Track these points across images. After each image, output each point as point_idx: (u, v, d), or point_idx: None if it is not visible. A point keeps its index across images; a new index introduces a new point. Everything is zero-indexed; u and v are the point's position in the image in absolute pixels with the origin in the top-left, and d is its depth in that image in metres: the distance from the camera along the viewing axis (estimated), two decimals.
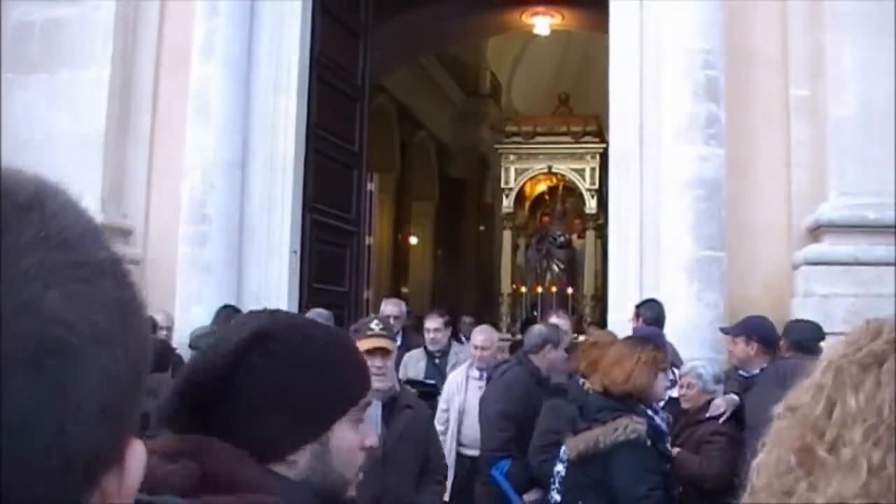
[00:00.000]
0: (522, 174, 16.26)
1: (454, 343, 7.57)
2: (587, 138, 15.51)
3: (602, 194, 14.00)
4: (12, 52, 8.40)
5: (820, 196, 6.80)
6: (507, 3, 11.75)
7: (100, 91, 8.15)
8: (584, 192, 15.73)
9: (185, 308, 7.48)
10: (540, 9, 12.35)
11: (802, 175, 6.99)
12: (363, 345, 3.35)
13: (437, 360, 7.02)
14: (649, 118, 7.21)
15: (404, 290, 17.49)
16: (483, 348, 6.35)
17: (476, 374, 6.31)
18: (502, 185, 16.24)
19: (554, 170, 16.07)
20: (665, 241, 6.80)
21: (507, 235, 16.61)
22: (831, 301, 6.22)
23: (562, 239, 16.52)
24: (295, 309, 8.09)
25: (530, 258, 16.75)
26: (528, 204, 17.36)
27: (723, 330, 5.81)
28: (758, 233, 7.02)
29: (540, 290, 15.86)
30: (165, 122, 8.26)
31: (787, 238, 6.98)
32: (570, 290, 15.58)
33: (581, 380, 4.76)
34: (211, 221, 7.66)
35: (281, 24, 8.22)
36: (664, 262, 6.78)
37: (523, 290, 16.04)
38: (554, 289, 15.67)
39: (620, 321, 6.64)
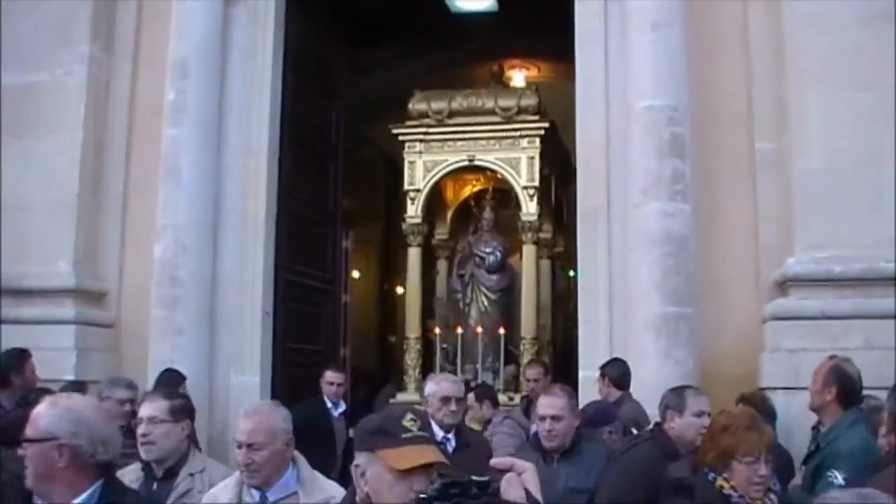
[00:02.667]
0: (434, 170, 10.61)
1: None
2: (522, 117, 10.47)
3: (547, 196, 11.10)
4: None
5: (787, 249, 6.81)
6: (483, 57, 11.86)
7: (72, 154, 8.19)
8: (518, 191, 10.39)
9: (156, 371, 7.45)
10: (516, 62, 12.46)
11: (770, 228, 7.01)
12: (405, 458, 2.43)
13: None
14: (616, 174, 7.25)
15: (392, 338, 17.43)
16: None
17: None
18: (406, 186, 10.68)
19: (478, 162, 10.61)
20: (633, 297, 6.80)
21: (413, 255, 10.90)
22: (799, 355, 6.21)
23: (492, 258, 10.87)
24: (268, 370, 8.09)
25: (452, 287, 11.23)
26: (450, 214, 11.85)
27: None
28: (727, 287, 7.02)
29: (460, 331, 10.58)
30: (138, 184, 8.29)
31: (756, 292, 6.98)
32: (501, 331, 10.35)
33: (711, 475, 3.57)
34: (183, 283, 7.66)
35: (251, 84, 8.28)
36: (632, 318, 6.78)
37: (437, 331, 10.77)
38: (479, 329, 10.46)
39: (590, 378, 6.64)
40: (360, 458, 2.53)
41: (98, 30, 8.39)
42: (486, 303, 10.89)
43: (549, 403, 4.89)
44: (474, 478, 1.89)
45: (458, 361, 10.36)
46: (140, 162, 8.31)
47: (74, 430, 2.77)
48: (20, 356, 5.66)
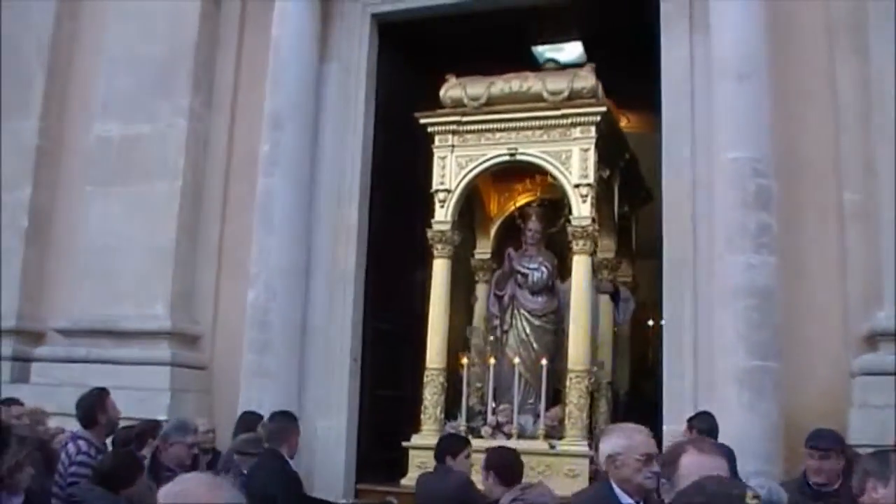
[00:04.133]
0: (468, 166, 8.57)
1: None
2: (575, 101, 8.31)
3: (608, 203, 9.23)
4: (93, 166, 8.91)
5: (876, 302, 6.72)
6: None
7: (172, 202, 8.57)
8: (568, 191, 8.19)
9: None
10: None
11: (857, 281, 6.92)
12: None
13: None
14: (701, 225, 7.26)
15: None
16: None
17: None
18: (435, 186, 8.55)
19: (521, 156, 8.50)
20: (717, 349, 6.78)
21: (439, 267, 8.50)
22: (887, 412, 6.11)
23: (536, 275, 8.82)
24: (355, 417, 8.24)
25: (489, 311, 9.05)
26: (493, 230, 9.82)
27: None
28: (813, 340, 6.93)
29: (493, 361, 8.50)
30: (233, 231, 8.61)
31: (844, 345, 6.88)
32: (543, 362, 8.19)
33: None
34: (273, 329, 7.90)
35: (343, 136, 8.55)
36: (717, 371, 6.74)
37: (465, 361, 8.53)
38: (517, 360, 8.42)
39: (674, 432, 6.60)
40: None
41: (198, 84, 8.79)
42: (527, 329, 8.68)
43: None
44: None
45: (490, 398, 8.28)
46: (235, 210, 8.64)
47: None
48: (100, 395, 5.93)
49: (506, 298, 8.80)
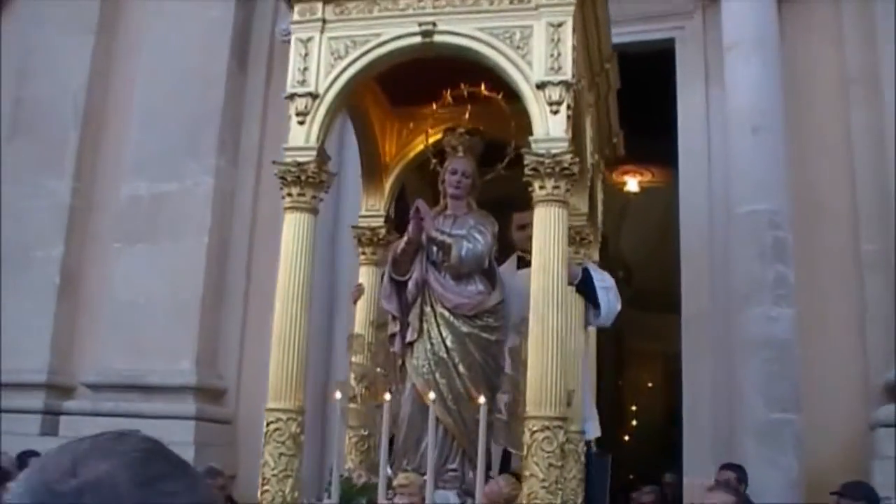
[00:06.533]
0: (349, 55, 4.77)
1: None
2: None
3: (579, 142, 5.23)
4: (121, 223, 9.10)
5: (895, 353, 6.68)
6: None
7: (198, 259, 8.71)
8: (528, 95, 4.40)
9: None
10: (629, 167, 12.56)
11: (877, 331, 6.90)
12: None
13: None
14: (719, 278, 7.28)
15: None
16: None
17: None
18: (290, 88, 4.75)
19: (441, 37, 4.57)
20: (737, 402, 6.76)
21: (294, 226, 4.90)
22: None
23: (468, 247, 5.08)
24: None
25: (384, 307, 5.36)
26: (388, 184, 6.05)
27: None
28: (833, 392, 6.92)
29: (387, 397, 4.63)
30: (257, 287, 8.70)
31: (864, 397, 6.85)
32: (481, 401, 4.27)
33: None
34: None
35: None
36: (736, 424, 6.72)
37: (338, 396, 4.57)
38: (431, 395, 4.55)
39: (693, 485, 6.58)
40: None
41: (224, 143, 8.97)
42: (448, 340, 4.97)
43: None
44: None
45: (383, 460, 4.39)
46: (260, 266, 8.74)
47: None
48: None
49: (411, 288, 5.07)
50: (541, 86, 4.35)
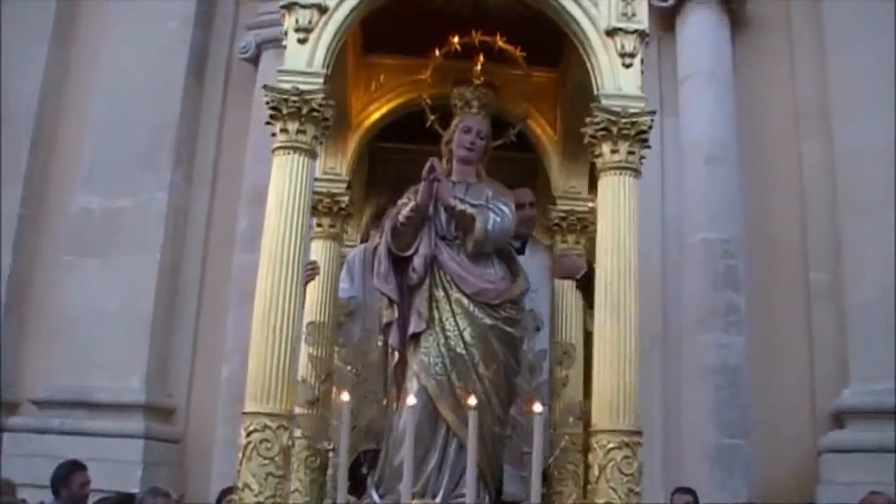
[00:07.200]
0: None
1: None
2: None
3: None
4: (72, 236, 8.94)
5: (843, 381, 6.84)
6: None
7: (149, 276, 8.57)
8: (594, 40, 3.77)
9: (218, 486, 7.62)
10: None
11: (825, 359, 7.06)
12: None
13: None
14: (671, 306, 7.37)
15: None
16: None
17: None
18: None
19: None
20: (687, 428, 6.84)
21: (278, 167, 3.69)
22: (854, 490, 6.15)
23: (495, 219, 3.97)
24: None
25: (380, 290, 4.02)
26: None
27: None
28: (782, 418, 7.04)
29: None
30: (209, 305, 8.63)
31: (812, 423, 6.98)
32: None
33: None
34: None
35: None
36: (687, 449, 6.80)
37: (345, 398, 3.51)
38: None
39: None
40: None
41: (179, 159, 8.87)
42: (467, 333, 3.83)
43: None
44: None
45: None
46: (212, 285, 8.67)
47: None
48: (70, 468, 5.86)
49: (417, 266, 3.93)
50: (611, 32, 3.74)
